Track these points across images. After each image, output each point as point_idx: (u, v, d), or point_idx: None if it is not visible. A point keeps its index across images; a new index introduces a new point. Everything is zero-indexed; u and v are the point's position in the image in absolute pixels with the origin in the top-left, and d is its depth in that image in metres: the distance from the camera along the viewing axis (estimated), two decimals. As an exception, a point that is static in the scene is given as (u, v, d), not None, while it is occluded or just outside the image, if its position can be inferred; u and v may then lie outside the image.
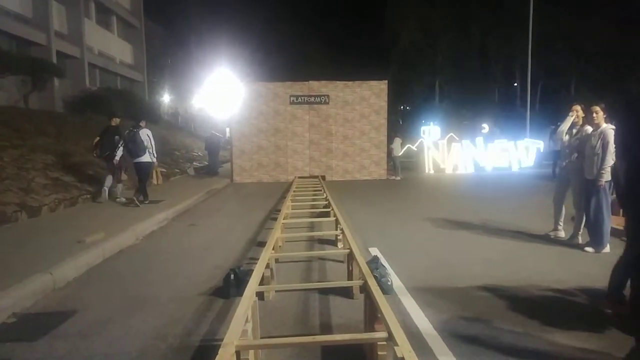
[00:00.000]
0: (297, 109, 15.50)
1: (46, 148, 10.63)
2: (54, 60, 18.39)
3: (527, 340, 3.12)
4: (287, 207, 7.20)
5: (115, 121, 9.64)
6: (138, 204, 8.86)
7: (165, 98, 33.18)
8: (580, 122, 5.84)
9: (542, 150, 17.70)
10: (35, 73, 14.74)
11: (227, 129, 17.55)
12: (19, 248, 5.60)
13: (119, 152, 9.38)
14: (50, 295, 4.33)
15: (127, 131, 9.44)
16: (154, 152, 9.59)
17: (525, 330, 3.28)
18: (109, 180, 9.49)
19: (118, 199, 9.44)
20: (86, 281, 4.81)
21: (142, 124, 9.66)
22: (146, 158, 9.35)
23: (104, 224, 6.86)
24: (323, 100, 15.51)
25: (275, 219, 6.96)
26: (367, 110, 15.68)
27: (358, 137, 15.71)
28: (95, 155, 9.66)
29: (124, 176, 10.10)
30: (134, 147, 9.17)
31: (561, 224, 6.26)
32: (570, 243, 5.84)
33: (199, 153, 21.99)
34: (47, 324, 3.62)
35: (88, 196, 9.56)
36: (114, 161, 9.35)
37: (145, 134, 9.43)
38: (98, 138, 9.47)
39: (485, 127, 22.02)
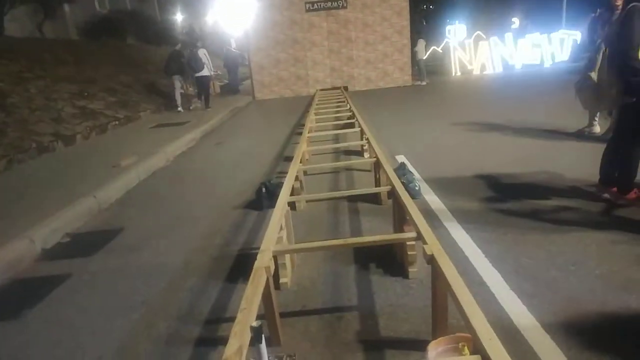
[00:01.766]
0: (313, 16, 14.71)
1: (69, 77, 10.67)
2: (61, -16, 17.73)
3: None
4: (310, 121, 7.16)
5: (178, 46, 12.59)
6: (209, 107, 11.70)
7: (178, 16, 31.93)
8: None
9: (579, 42, 16.47)
10: (44, 0, 14.36)
11: (232, 40, 17.07)
12: (62, 175, 5.90)
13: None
14: (97, 216, 4.63)
15: (188, 52, 11.87)
16: (211, 67, 12.16)
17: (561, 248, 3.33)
18: (178, 95, 11.77)
19: (192, 107, 12.18)
20: (127, 202, 5.09)
21: (199, 44, 12.42)
22: (205, 72, 11.76)
23: (135, 149, 7.07)
24: (340, 4, 14.59)
25: (300, 134, 6.98)
26: (388, 13, 14.72)
27: (380, 42, 14.95)
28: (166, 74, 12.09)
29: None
30: (195, 65, 11.50)
31: (596, 119, 6.02)
32: (605, 138, 5.66)
33: (218, 71, 21.61)
34: (98, 241, 3.92)
35: (116, 122, 9.75)
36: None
37: (203, 53, 11.73)
38: (166, 62, 11.91)
39: (516, 21, 20.46)
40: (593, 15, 6.71)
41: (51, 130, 7.91)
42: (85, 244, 3.93)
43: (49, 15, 14.88)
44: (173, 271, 3.22)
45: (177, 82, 11.82)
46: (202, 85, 12.00)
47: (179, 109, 11.67)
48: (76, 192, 4.87)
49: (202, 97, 12.02)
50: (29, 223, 4.02)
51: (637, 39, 3.18)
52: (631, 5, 3.22)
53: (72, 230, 4.24)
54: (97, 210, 4.74)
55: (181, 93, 12.04)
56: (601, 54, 4.21)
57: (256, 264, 2.24)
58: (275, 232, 2.64)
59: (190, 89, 12.83)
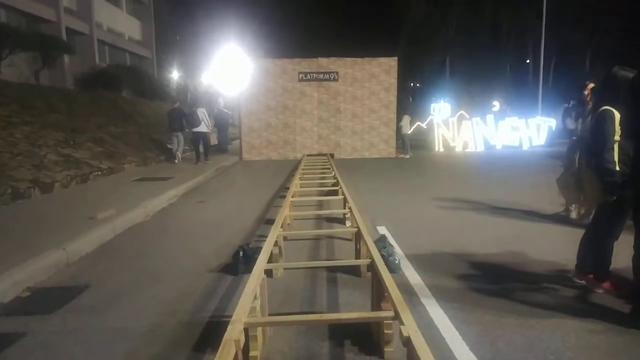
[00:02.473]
0: (305, 86, 15.34)
1: (57, 125, 10.70)
2: (64, 36, 18.33)
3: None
4: (295, 185, 7.21)
5: (177, 104, 14.01)
6: (207, 160, 13.08)
7: (174, 75, 33.00)
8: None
9: (554, 129, 17.39)
10: (45, 50, 14.71)
11: (221, 99, 17.64)
12: (33, 224, 5.71)
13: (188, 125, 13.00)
14: (63, 270, 4.43)
15: (188, 110, 13.24)
16: (209, 124, 13.38)
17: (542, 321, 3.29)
18: (176, 146, 13.21)
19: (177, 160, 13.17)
20: (98, 257, 4.91)
21: (198, 104, 14.24)
22: (203, 128, 12.94)
23: (115, 201, 6.95)
24: (332, 77, 15.31)
25: (283, 197, 6.99)
26: (377, 88, 15.47)
27: (367, 114, 15.55)
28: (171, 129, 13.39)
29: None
30: (193, 121, 12.70)
31: (573, 205, 6.19)
32: (580, 223, 5.79)
33: (208, 130, 21.96)
34: (60, 298, 3.71)
35: (99, 173, 9.66)
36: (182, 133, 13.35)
37: (202, 112, 12.98)
38: (169, 119, 13.26)
39: (496, 104, 21.64)
40: (566, 105, 7.15)
41: (30, 176, 7.78)
42: (46, 300, 3.71)
43: (48, 64, 15.18)
44: (138, 337, 3.04)
45: (178, 138, 13.21)
46: (198, 139, 13.00)
47: (176, 160, 13.01)
48: (44, 243, 4.69)
49: (198, 151, 13.02)
50: (-10, 273, 3.81)
51: (610, 141, 3.34)
52: (602, 108, 3.41)
53: (35, 284, 4.02)
54: (64, 263, 4.55)
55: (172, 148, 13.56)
56: (577, 153, 4.35)
57: (226, 335, 2.14)
58: (249, 301, 2.55)
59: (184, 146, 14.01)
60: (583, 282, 3.75)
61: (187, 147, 14.62)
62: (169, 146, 13.97)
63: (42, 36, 15.18)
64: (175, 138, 13.24)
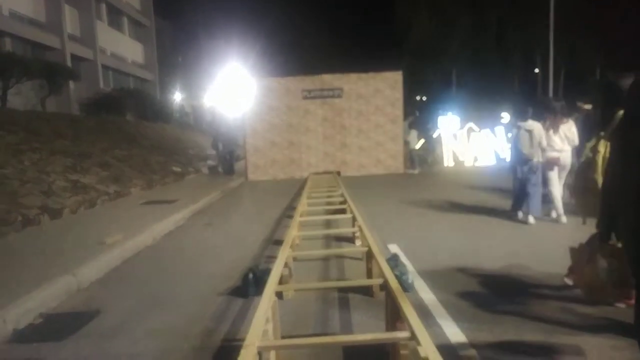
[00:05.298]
0: (309, 103, 15.33)
1: (64, 151, 10.80)
2: (69, 63, 18.68)
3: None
4: (302, 205, 7.18)
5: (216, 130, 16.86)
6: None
7: (177, 96, 33.41)
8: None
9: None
10: (51, 77, 14.96)
11: (211, 106, 18.17)
12: (43, 250, 5.71)
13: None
14: (74, 296, 4.41)
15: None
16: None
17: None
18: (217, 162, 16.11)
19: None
20: (108, 282, 4.89)
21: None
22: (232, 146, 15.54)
23: (122, 225, 6.95)
24: (336, 93, 15.31)
25: (291, 217, 6.96)
26: (382, 103, 15.39)
27: (373, 130, 15.44)
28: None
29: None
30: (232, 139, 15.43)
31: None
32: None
33: (213, 151, 22.10)
34: (72, 325, 3.69)
35: (106, 197, 9.70)
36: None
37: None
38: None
39: (505, 116, 21.37)
40: (577, 114, 7.19)
41: (39, 203, 7.81)
42: (58, 326, 3.69)
43: (54, 91, 15.42)
44: (149, 363, 3.00)
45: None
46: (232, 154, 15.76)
47: (220, 169, 15.77)
48: (55, 269, 4.68)
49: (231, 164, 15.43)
50: (3, 300, 3.80)
51: None
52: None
53: (47, 310, 4.00)
54: (75, 289, 4.53)
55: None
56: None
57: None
58: (261, 324, 2.51)
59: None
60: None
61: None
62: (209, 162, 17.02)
63: (48, 64, 15.47)
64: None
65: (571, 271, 3.94)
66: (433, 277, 4.40)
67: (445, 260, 5.01)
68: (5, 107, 13.05)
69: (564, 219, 6.48)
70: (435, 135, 18.50)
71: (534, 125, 6.57)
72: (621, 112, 2.51)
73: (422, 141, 16.97)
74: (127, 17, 27.03)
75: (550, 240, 5.68)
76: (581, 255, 3.59)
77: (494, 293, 3.98)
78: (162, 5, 30.95)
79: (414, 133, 15.84)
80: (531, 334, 3.12)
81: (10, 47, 16.52)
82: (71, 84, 18.07)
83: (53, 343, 3.37)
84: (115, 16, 25.77)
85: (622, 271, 2.77)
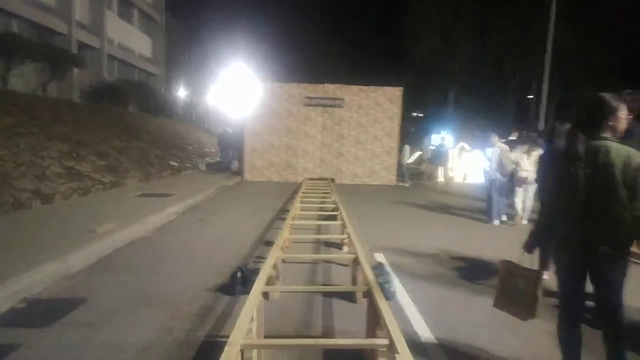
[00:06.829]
0: (310, 110, 15.54)
1: (62, 137, 10.81)
2: (74, 50, 18.64)
3: None
4: (295, 209, 7.25)
5: (223, 127, 18.87)
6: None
7: (181, 93, 33.46)
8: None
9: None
10: (55, 62, 14.93)
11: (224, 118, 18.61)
12: (32, 234, 5.73)
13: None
14: (61, 282, 4.42)
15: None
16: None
17: None
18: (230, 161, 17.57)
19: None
20: (96, 271, 4.91)
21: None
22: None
23: (116, 215, 6.98)
24: (337, 103, 15.52)
25: (283, 219, 7.02)
26: (381, 116, 15.67)
27: (370, 141, 15.70)
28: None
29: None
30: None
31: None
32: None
33: (211, 149, 22.17)
34: (56, 311, 3.71)
35: (100, 187, 9.71)
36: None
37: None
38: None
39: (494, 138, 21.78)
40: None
41: (32, 187, 7.82)
42: (41, 312, 3.71)
43: (57, 77, 15.41)
44: (133, 354, 3.04)
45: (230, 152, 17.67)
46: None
47: (232, 165, 17.21)
48: (43, 254, 4.70)
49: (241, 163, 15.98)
50: (-13, 282, 3.82)
51: None
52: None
53: (31, 295, 4.02)
54: (62, 276, 4.54)
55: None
56: None
57: (223, 357, 2.16)
58: (246, 323, 2.57)
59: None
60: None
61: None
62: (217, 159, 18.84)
63: (53, 48, 15.43)
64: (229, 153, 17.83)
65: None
66: (417, 287, 4.47)
67: (429, 271, 5.08)
68: (7, 88, 13.03)
69: (524, 221, 7.99)
70: (428, 153, 18.88)
71: (497, 151, 8.34)
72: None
73: (415, 155, 17.29)
74: (137, 10, 27.00)
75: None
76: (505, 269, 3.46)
77: (479, 309, 4.04)
78: (174, 3, 31.09)
79: (407, 148, 16.21)
80: (506, 349, 3.18)
81: (16, 29, 16.50)
82: (75, 71, 18.05)
83: (35, 329, 3.37)
84: (125, 8, 25.76)
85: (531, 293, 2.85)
